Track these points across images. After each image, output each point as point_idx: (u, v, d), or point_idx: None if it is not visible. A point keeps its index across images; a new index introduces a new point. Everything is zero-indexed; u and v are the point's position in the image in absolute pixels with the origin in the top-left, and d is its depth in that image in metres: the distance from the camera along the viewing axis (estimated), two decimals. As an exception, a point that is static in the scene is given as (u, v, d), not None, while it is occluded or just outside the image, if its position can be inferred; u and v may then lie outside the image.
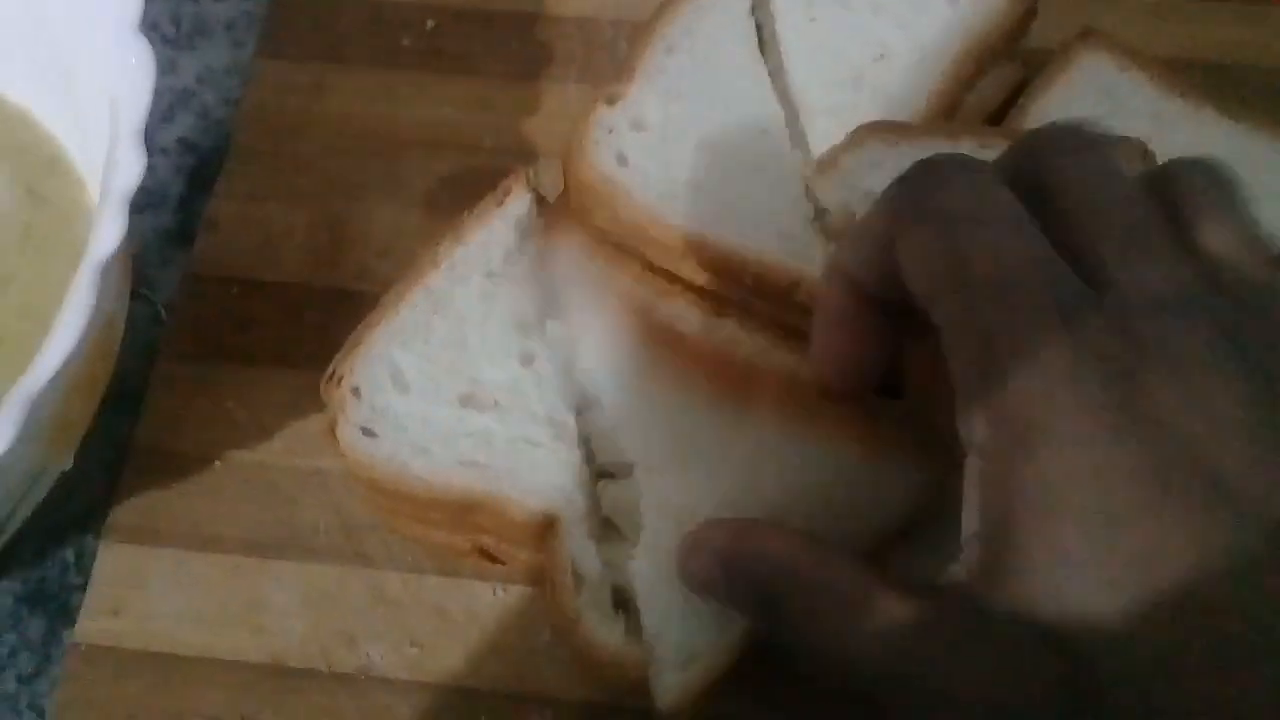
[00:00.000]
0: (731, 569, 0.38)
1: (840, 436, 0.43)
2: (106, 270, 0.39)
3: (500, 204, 0.49)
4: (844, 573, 0.35)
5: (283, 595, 0.48)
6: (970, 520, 0.32)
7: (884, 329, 0.39)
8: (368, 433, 0.45)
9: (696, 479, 0.43)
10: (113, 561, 0.48)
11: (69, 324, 0.38)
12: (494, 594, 0.48)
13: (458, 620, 0.48)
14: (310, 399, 0.49)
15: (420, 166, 0.57)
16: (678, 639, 0.41)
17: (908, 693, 0.32)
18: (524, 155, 0.57)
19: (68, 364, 0.38)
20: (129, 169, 0.40)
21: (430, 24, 0.61)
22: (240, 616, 0.48)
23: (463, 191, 0.54)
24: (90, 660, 0.47)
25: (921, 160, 0.36)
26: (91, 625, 0.47)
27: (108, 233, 0.40)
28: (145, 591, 0.48)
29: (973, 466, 0.32)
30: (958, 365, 0.33)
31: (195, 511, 0.49)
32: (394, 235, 0.55)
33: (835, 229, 0.49)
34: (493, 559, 0.48)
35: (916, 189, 0.35)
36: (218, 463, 0.50)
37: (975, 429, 0.32)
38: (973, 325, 0.32)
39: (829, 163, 0.48)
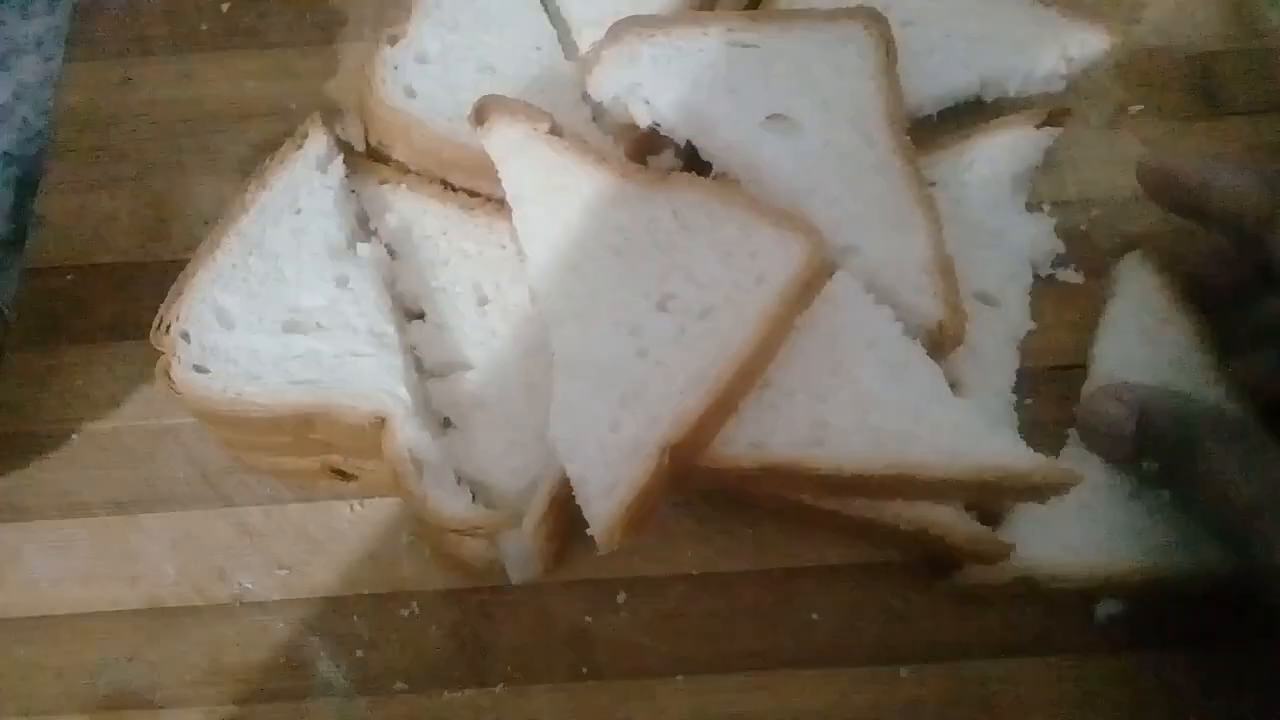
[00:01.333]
0: (1147, 413, 0.47)
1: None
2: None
3: (299, 147, 0.53)
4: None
5: (152, 545, 0.51)
6: None
7: None
8: (200, 370, 0.48)
9: (604, 328, 0.47)
10: (-18, 542, 0.51)
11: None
12: (351, 510, 0.51)
13: (320, 539, 0.51)
14: (153, 365, 0.52)
15: (232, 137, 0.60)
16: (600, 474, 0.44)
17: None
18: (329, 112, 0.60)
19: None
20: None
21: (225, 6, 0.64)
22: (115, 570, 0.50)
23: (270, 153, 0.57)
24: (-28, 636, 0.49)
25: None
26: (-32, 605, 0.50)
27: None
28: (22, 563, 0.50)
29: None
30: None
31: (59, 483, 0.52)
32: (216, 203, 0.58)
33: (612, 121, 0.53)
34: (344, 475, 0.51)
35: None
36: (75, 436, 0.53)
37: None
38: None
39: (593, 60, 0.52)
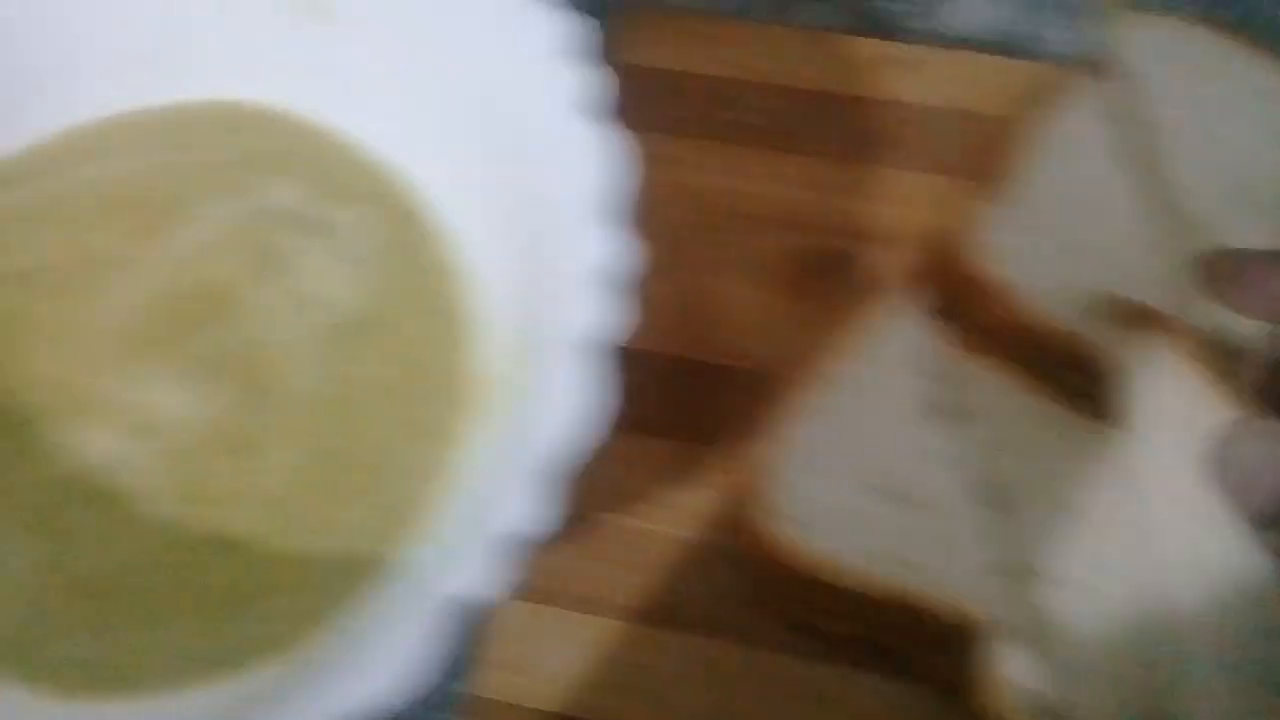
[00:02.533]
0: None
1: None
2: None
3: (898, 300, 0.51)
4: None
5: (667, 664, 0.49)
6: None
7: None
8: (779, 517, 0.47)
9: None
10: (511, 618, 0.50)
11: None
12: (877, 684, 0.49)
13: (833, 705, 0.49)
14: (685, 469, 0.51)
15: (773, 243, 0.59)
16: None
17: None
18: (871, 239, 0.58)
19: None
20: (616, 252, 0.42)
21: (766, 103, 0.63)
22: (629, 682, 0.49)
23: (817, 272, 0.56)
24: (492, 714, 0.49)
25: None
26: (493, 679, 0.49)
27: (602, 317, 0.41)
28: (542, 650, 0.50)
29: None
30: None
31: (582, 573, 0.51)
32: (753, 311, 0.57)
33: (1231, 343, 0.50)
34: (881, 649, 0.49)
35: None
36: (603, 526, 0.52)
37: None
38: None
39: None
